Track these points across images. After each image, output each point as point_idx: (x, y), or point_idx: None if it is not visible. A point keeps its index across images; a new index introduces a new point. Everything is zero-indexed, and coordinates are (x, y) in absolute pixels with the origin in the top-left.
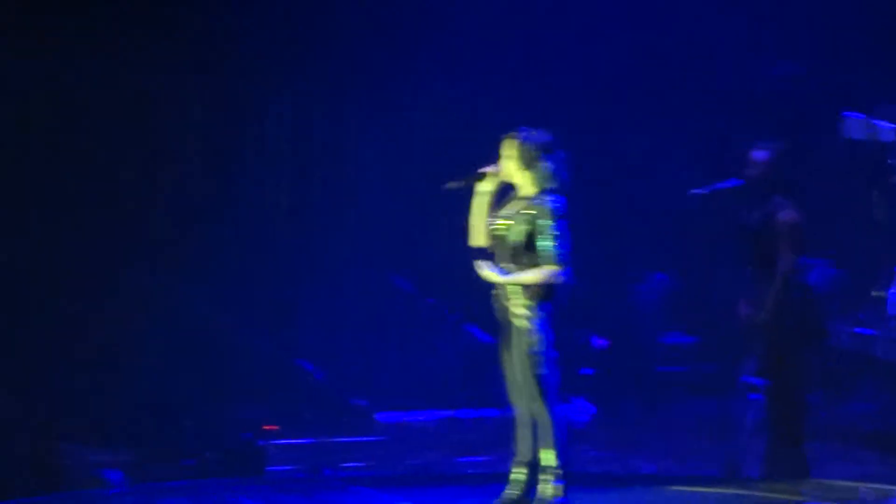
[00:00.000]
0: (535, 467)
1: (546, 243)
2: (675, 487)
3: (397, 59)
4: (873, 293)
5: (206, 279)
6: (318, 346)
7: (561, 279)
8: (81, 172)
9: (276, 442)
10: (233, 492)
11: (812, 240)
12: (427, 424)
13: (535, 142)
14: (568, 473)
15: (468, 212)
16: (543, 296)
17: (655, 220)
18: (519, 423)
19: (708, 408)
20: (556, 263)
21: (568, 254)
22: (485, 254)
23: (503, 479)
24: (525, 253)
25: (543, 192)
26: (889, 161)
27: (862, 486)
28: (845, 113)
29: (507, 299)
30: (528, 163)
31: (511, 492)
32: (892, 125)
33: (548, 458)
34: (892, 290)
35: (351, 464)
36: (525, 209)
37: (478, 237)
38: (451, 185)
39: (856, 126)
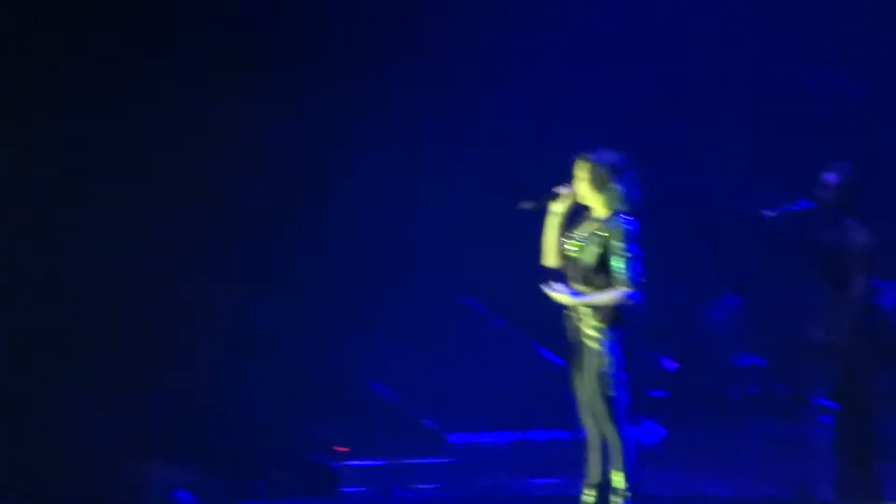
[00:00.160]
0: (605, 489)
1: (618, 264)
2: None
3: (473, 78)
4: None
5: (277, 298)
6: (390, 367)
7: (633, 301)
8: (149, 188)
9: (348, 463)
10: None
11: (884, 262)
12: (498, 446)
13: (606, 163)
14: (637, 495)
15: (540, 232)
16: (615, 318)
17: (727, 241)
18: (589, 444)
19: (779, 430)
20: (628, 285)
21: (640, 275)
22: (556, 274)
23: (573, 501)
24: (597, 275)
25: (616, 213)
26: None
27: None
28: None
29: (579, 321)
30: (599, 184)
31: None
32: None
33: (617, 479)
34: None
35: (422, 485)
36: (597, 231)
37: (549, 257)
38: (525, 204)
39: None
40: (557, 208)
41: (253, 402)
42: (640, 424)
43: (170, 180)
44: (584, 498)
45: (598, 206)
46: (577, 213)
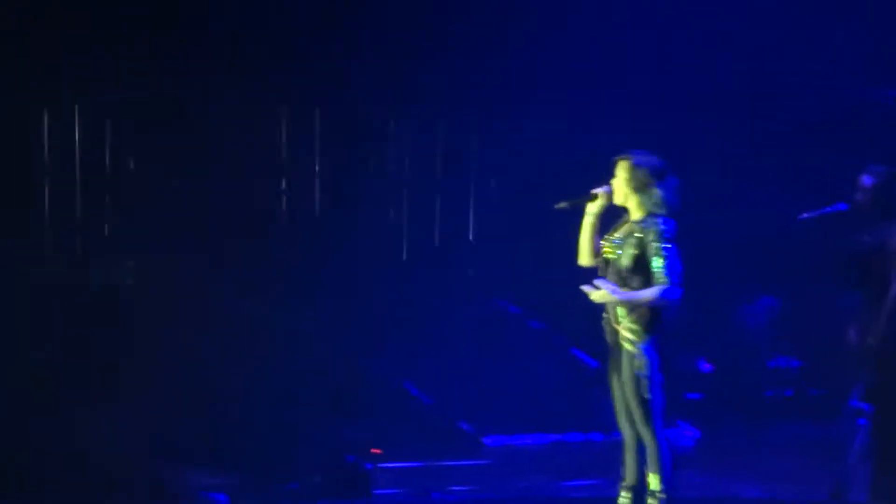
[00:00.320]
0: (640, 491)
1: (658, 263)
2: None
3: (511, 84)
4: None
5: (311, 302)
6: (425, 369)
7: (673, 298)
8: (193, 201)
9: (383, 465)
10: None
11: None
12: (534, 448)
13: (647, 166)
14: (672, 497)
15: (576, 234)
16: (651, 319)
17: (763, 243)
18: (625, 446)
19: (815, 432)
20: (668, 282)
21: (680, 274)
22: (592, 275)
23: (609, 503)
24: (633, 276)
25: (652, 215)
26: None
27: None
28: None
29: (616, 322)
30: (638, 186)
31: None
32: None
33: (653, 481)
34: None
35: (458, 487)
36: (634, 232)
37: (584, 257)
38: (561, 204)
39: None
40: (593, 209)
41: (287, 405)
42: (676, 426)
43: (195, 181)
44: (621, 500)
45: (635, 207)
46: (618, 214)
